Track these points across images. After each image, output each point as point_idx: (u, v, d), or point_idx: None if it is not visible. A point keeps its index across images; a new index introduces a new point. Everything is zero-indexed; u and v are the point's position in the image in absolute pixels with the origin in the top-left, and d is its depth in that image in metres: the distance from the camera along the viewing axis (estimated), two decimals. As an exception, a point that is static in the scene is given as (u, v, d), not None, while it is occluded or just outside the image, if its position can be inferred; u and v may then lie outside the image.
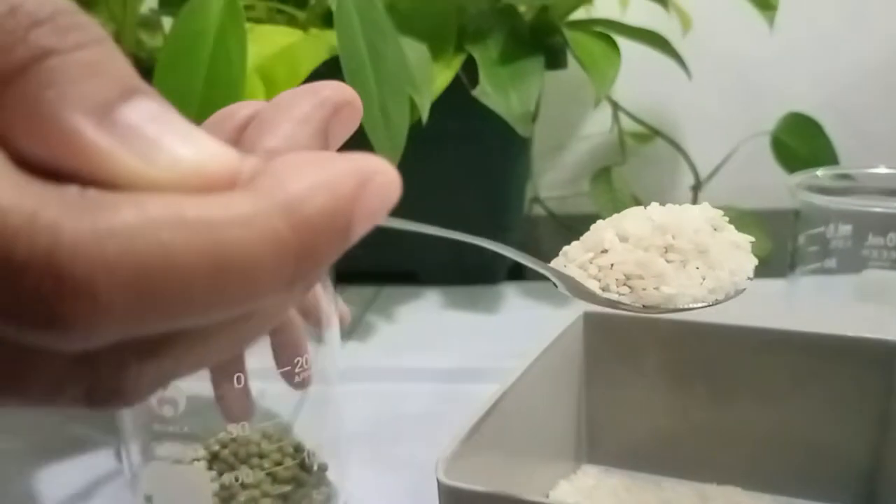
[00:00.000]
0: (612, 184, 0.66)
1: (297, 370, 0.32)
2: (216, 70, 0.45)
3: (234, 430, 0.31)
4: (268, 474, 0.31)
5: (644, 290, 0.26)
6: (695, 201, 0.63)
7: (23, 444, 0.42)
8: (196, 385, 0.31)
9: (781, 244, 0.61)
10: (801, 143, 0.60)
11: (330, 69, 0.48)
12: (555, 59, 0.57)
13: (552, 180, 0.82)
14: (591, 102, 0.53)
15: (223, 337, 0.15)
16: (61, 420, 0.44)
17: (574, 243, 0.27)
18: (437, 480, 0.24)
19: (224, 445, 0.32)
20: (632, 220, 0.27)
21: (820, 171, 0.43)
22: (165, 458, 0.31)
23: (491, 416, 0.29)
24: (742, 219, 0.63)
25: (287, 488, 0.32)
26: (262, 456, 0.32)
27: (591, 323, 0.36)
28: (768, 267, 0.48)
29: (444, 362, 0.50)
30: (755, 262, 0.27)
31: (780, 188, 0.68)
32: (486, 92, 0.51)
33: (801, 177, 0.43)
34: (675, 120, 0.67)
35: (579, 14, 0.64)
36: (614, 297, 0.26)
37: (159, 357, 0.14)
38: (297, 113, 0.18)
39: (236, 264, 0.14)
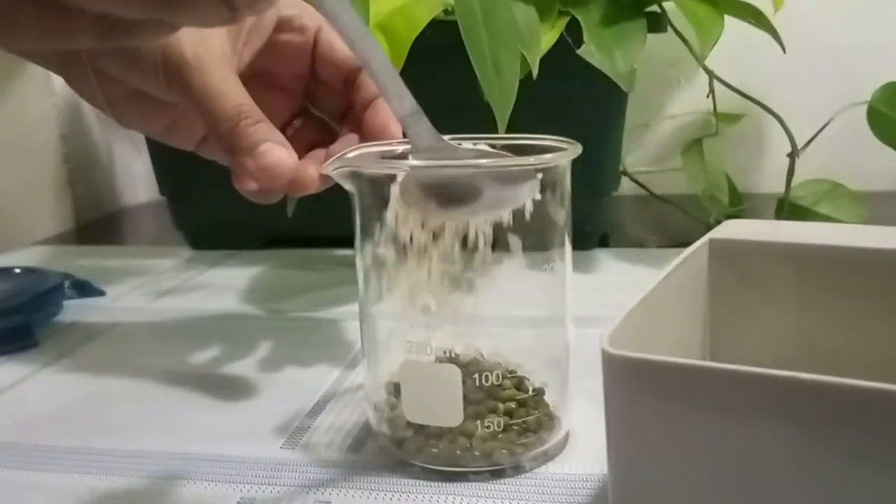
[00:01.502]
0: (703, 155, 0.67)
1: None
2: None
3: (459, 349, 0.33)
4: (489, 391, 0.33)
5: None
6: (791, 169, 0.63)
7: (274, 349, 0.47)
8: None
9: (874, 215, 0.61)
10: (899, 112, 0.60)
11: (444, 26, 0.50)
12: (655, 25, 0.58)
13: (639, 157, 0.83)
14: (678, 83, 0.54)
15: None
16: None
17: None
18: (602, 351, 0.25)
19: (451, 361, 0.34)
20: None
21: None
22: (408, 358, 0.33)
23: (639, 311, 0.29)
24: (836, 190, 0.64)
25: (511, 405, 0.33)
26: (482, 372, 0.33)
27: (716, 249, 0.37)
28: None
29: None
30: None
31: (874, 164, 0.67)
32: (591, 51, 0.52)
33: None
34: (770, 94, 0.68)
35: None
36: None
37: None
38: None
39: None
